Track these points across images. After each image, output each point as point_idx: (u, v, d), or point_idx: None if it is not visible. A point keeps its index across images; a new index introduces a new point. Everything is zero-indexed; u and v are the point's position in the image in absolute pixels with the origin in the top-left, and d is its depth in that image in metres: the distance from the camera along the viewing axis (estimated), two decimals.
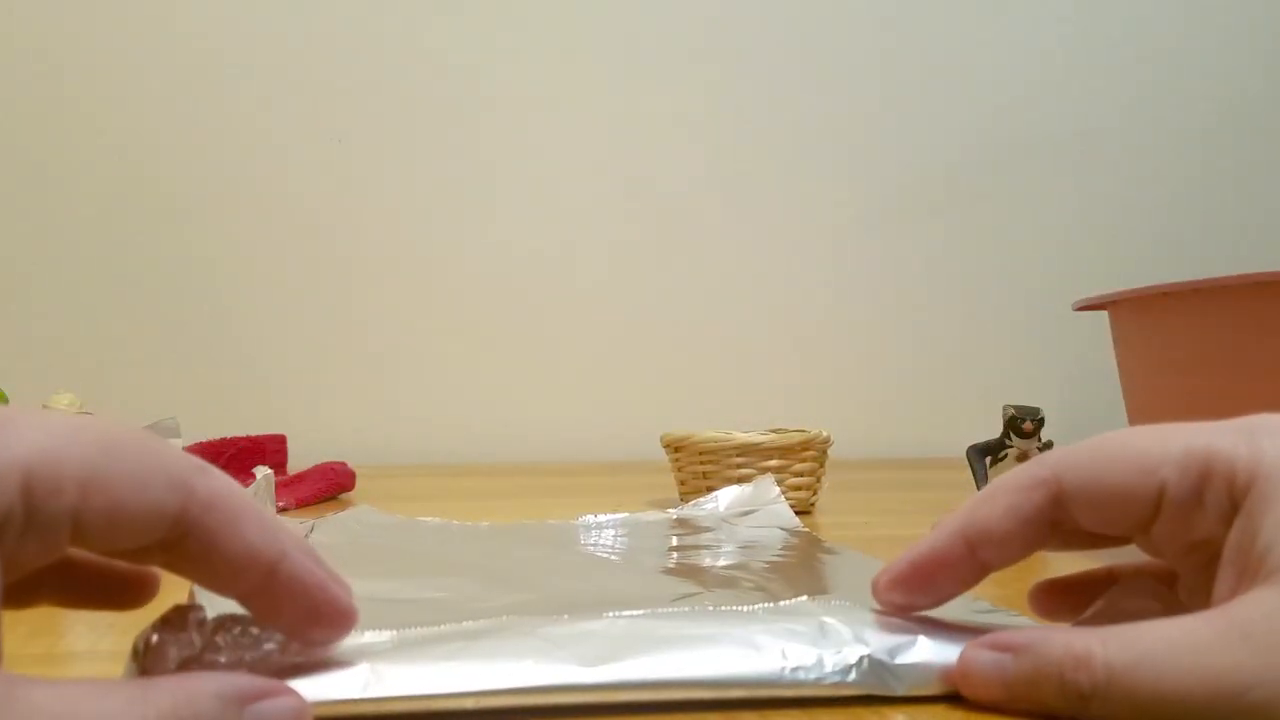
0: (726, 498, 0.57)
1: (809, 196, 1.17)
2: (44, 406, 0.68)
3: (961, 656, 0.24)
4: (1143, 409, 0.48)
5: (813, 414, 1.15)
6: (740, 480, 0.59)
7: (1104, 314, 0.52)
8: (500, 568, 0.41)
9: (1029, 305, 1.21)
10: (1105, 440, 0.25)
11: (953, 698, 0.25)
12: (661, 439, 0.65)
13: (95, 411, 0.70)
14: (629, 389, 1.12)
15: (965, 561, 0.26)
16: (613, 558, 0.44)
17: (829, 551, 0.45)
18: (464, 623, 0.25)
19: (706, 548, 0.46)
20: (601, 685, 0.23)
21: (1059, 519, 0.25)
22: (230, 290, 1.07)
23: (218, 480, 0.21)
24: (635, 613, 0.27)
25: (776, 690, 0.24)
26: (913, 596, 0.27)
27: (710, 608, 0.28)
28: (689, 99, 1.15)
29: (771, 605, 0.27)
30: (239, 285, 1.07)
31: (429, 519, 0.54)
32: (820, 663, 0.24)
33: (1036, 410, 0.58)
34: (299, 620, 0.22)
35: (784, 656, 0.24)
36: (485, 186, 1.11)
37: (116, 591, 0.24)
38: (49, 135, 1.04)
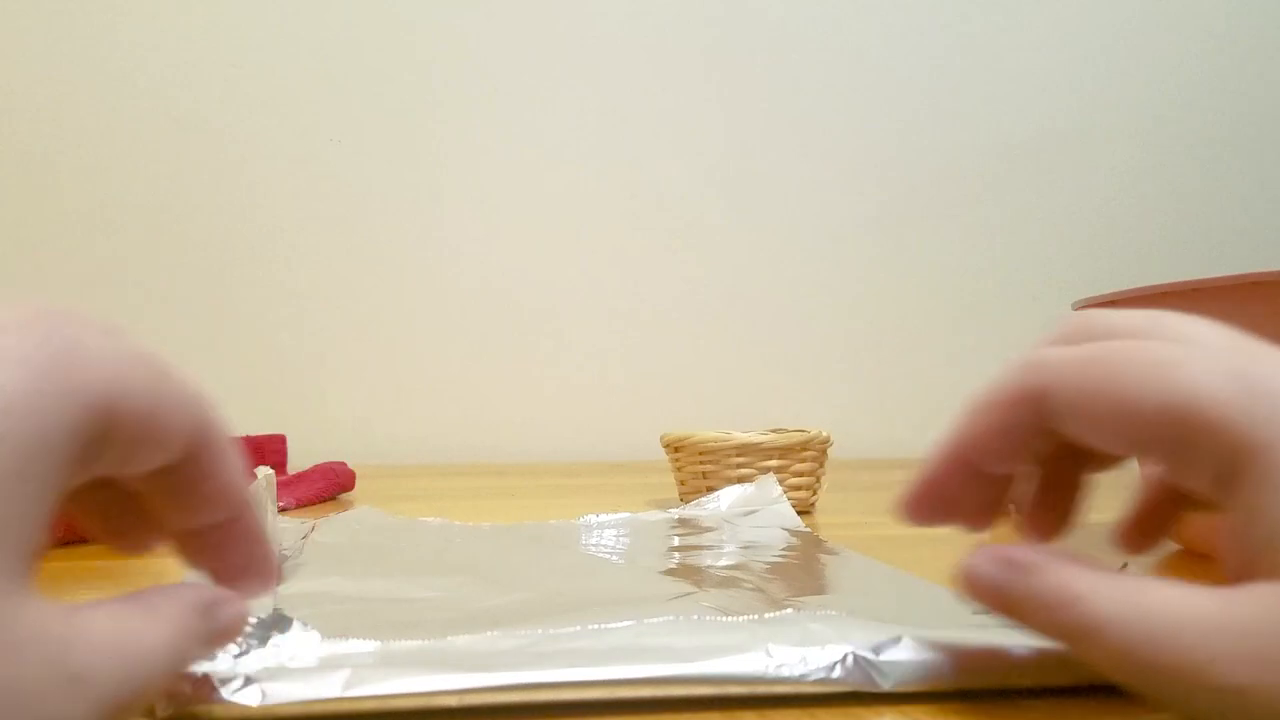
0: (729, 497, 0.57)
1: (808, 197, 1.17)
2: None
3: (968, 561, 0.24)
4: None
5: (813, 414, 1.16)
6: (740, 480, 0.59)
7: None
8: (501, 568, 0.41)
9: (1029, 305, 1.21)
10: (1097, 361, 0.23)
11: (944, 694, 0.25)
12: (661, 439, 0.65)
13: None
14: (629, 389, 1.12)
15: (973, 477, 0.26)
16: (614, 558, 0.44)
17: (829, 552, 0.45)
18: (448, 638, 0.26)
19: (708, 548, 0.46)
20: (586, 682, 0.23)
21: (1054, 427, 0.24)
22: (230, 290, 1.07)
23: (218, 413, 0.22)
24: (621, 624, 0.27)
25: (761, 687, 0.24)
26: (935, 518, 0.26)
27: (695, 617, 0.28)
28: (690, 100, 1.15)
29: (756, 618, 0.28)
30: (239, 285, 1.07)
31: (430, 519, 0.54)
32: (804, 660, 0.24)
33: None
34: (237, 567, 0.23)
35: (769, 655, 0.24)
36: (485, 187, 1.11)
37: None
38: (46, 135, 1.04)
